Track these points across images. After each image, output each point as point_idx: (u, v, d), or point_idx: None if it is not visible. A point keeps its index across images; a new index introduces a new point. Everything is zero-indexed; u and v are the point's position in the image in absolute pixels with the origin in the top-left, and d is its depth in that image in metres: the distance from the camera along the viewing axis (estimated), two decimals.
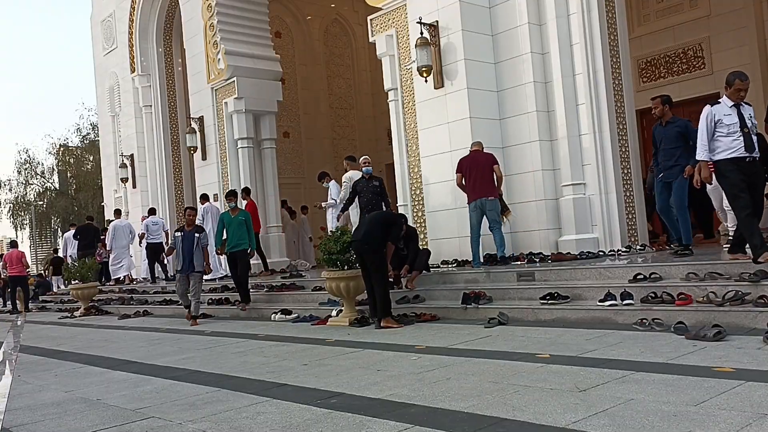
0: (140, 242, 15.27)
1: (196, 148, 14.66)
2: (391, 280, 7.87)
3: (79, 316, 12.96)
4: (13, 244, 18.28)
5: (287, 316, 8.79)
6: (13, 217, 40.75)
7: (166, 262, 15.35)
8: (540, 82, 9.24)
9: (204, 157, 14.61)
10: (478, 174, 8.41)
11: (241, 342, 7.04)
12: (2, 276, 18.49)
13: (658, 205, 7.62)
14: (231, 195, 10.30)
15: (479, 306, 7.05)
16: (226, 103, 13.87)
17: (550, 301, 6.55)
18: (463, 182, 8.56)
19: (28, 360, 7.13)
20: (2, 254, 21.31)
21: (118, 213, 17.15)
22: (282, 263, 13.52)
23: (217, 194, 14.11)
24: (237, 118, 13.72)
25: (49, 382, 5.52)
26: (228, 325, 8.95)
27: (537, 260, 8.36)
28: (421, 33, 9.36)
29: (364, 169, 9.42)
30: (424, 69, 9.37)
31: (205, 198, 13.71)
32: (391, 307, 7.30)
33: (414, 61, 9.58)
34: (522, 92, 9.29)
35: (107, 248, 15.62)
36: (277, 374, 4.88)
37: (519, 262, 8.47)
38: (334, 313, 8.09)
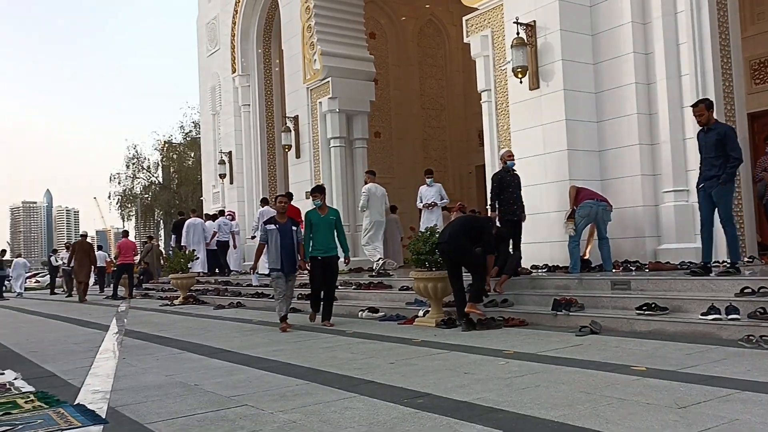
0: (211, 239, 16.73)
1: (291, 146, 15.08)
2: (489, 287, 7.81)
3: (178, 305, 13.61)
4: (125, 234, 19.44)
5: (374, 314, 8.88)
6: (121, 209, 43.42)
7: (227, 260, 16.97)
8: (642, 83, 8.87)
9: (298, 155, 15.01)
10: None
11: (330, 338, 7.17)
12: (115, 262, 19.90)
13: (701, 217, 7.05)
14: (318, 191, 8.68)
15: (570, 313, 6.86)
16: (320, 102, 14.19)
17: (647, 312, 6.28)
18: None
19: (132, 344, 7.56)
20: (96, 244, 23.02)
21: (193, 212, 18.37)
22: (370, 262, 13.65)
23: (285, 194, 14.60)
24: (330, 118, 14.00)
25: (151, 365, 5.83)
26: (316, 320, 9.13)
27: (633, 269, 8.03)
28: (518, 33, 9.20)
29: (508, 162, 8.81)
30: (519, 70, 9.21)
31: (264, 202, 14.39)
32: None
33: (509, 62, 9.43)
34: (622, 94, 8.95)
35: (182, 245, 16.55)
36: (365, 371, 4.93)
37: (614, 270, 8.17)
38: (420, 313, 8.10)
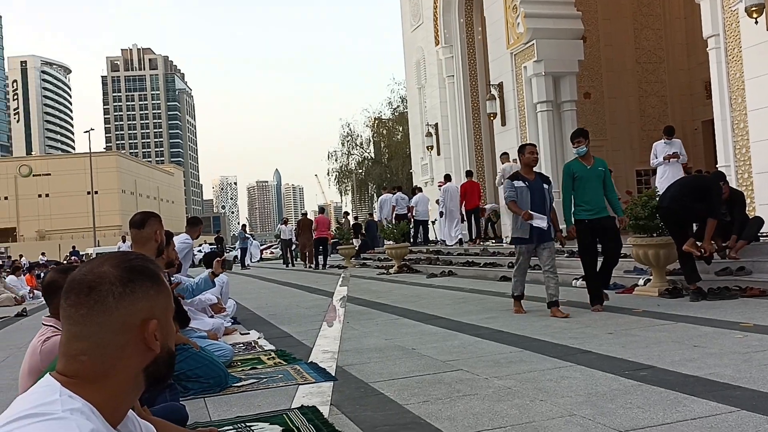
0: (392, 213, 17.58)
1: (496, 114, 14.94)
2: (699, 253, 6.88)
3: (394, 273, 14.30)
4: (321, 210, 21.39)
5: None
6: (338, 184, 46.62)
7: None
8: None
9: (503, 123, 14.82)
10: None
11: (544, 306, 7.03)
12: (290, 239, 22.14)
13: None
14: (581, 136, 6.75)
15: None
16: (525, 67, 13.82)
17: None
18: None
19: (354, 309, 8.12)
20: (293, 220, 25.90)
21: (384, 188, 19.56)
22: None
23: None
24: (536, 82, 13.58)
25: (371, 329, 6.22)
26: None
27: None
28: None
29: None
30: (754, 8, 8.12)
31: (447, 178, 14.47)
32: (699, 277, 6.62)
33: (741, 1, 8.34)
34: None
35: (378, 219, 17.57)
36: (581, 341, 4.78)
37: None
38: (641, 282, 7.62)
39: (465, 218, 15.88)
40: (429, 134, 19.85)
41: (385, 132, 45.39)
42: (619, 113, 18.05)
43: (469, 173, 16.45)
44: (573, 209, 6.62)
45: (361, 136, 46.65)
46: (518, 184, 6.51)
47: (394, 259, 15.04)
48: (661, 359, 3.96)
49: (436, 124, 19.54)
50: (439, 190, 16.95)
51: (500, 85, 14.81)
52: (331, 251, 21.61)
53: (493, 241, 15.38)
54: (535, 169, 6.69)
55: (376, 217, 21.63)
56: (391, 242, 15.47)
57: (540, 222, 6.31)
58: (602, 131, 17.82)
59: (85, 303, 1.14)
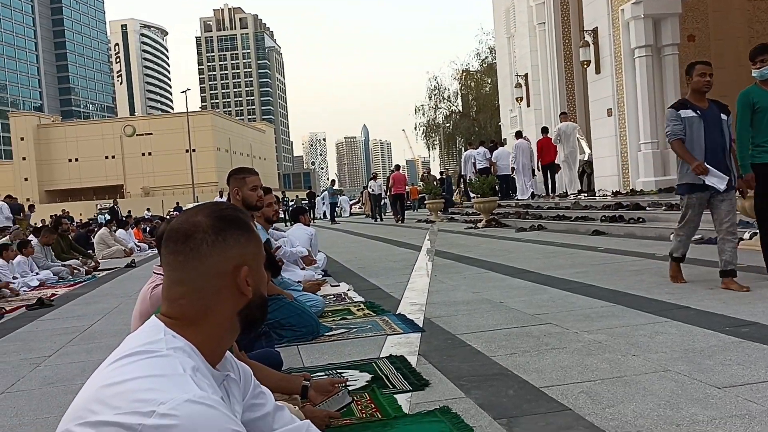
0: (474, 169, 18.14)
1: (590, 61, 14.28)
2: None
3: (481, 228, 14.20)
4: (397, 167, 21.96)
5: None
6: (426, 139, 46.37)
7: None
8: None
9: (598, 71, 14.16)
10: None
11: (637, 260, 6.82)
12: (379, 194, 23.02)
13: None
14: (764, 52, 4.95)
15: None
16: (622, 10, 13.07)
17: None
18: None
19: (441, 263, 8.16)
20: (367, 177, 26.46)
21: (470, 144, 19.63)
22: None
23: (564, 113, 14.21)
24: (634, 25, 12.82)
25: (459, 283, 6.24)
26: (622, 243, 8.74)
27: None
28: None
29: None
30: None
31: (564, 116, 14.30)
32: None
33: None
34: None
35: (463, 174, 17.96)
36: (678, 296, 4.60)
37: None
38: (746, 236, 7.20)
39: (541, 172, 16.63)
40: (518, 85, 19.31)
41: (473, 84, 44.51)
42: (727, 56, 16.78)
43: (544, 129, 16.61)
44: (750, 150, 4.98)
45: (449, 90, 46.03)
46: (687, 113, 4.91)
47: (482, 213, 14.91)
48: (765, 315, 3.76)
49: (526, 74, 18.95)
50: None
51: (594, 31, 14.10)
52: (417, 206, 22.32)
53: (586, 194, 14.94)
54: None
55: (462, 171, 21.62)
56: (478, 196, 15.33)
57: (718, 182, 4.78)
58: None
59: (182, 251, 1.22)
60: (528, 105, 19.08)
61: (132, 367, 1.10)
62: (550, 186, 16.60)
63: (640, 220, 10.01)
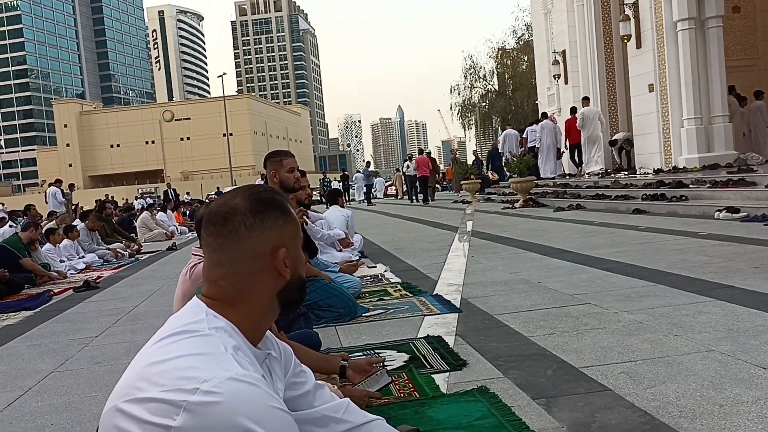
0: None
1: (630, 36, 13.91)
2: None
3: (519, 207, 14.06)
4: (420, 151, 23.47)
5: (734, 214, 7.94)
6: (461, 118, 45.92)
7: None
8: None
9: (638, 46, 13.78)
10: None
11: (679, 239, 6.68)
12: (415, 174, 23.43)
13: None
14: None
15: None
16: None
17: None
18: None
19: (478, 243, 8.12)
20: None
21: (508, 124, 20.03)
22: (728, 157, 12.12)
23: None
24: None
25: (496, 263, 6.21)
26: (663, 222, 8.56)
27: None
28: None
29: None
30: None
31: (586, 101, 14.69)
32: None
33: None
34: None
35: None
36: (722, 275, 4.50)
37: None
38: None
39: (569, 152, 16.88)
40: (556, 62, 18.92)
41: (509, 62, 43.84)
42: None
43: (573, 110, 16.67)
44: None
45: (484, 68, 45.39)
46: None
47: (519, 193, 14.75)
48: None
49: (564, 51, 18.54)
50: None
51: (635, 4, 13.70)
52: (442, 188, 23.79)
53: (626, 172, 14.65)
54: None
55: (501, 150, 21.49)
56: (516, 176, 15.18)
57: None
58: (753, 49, 16.18)
59: (221, 233, 1.24)
60: (566, 82, 18.70)
61: (175, 346, 1.13)
62: (577, 163, 16.67)
63: (683, 198, 9.79)
